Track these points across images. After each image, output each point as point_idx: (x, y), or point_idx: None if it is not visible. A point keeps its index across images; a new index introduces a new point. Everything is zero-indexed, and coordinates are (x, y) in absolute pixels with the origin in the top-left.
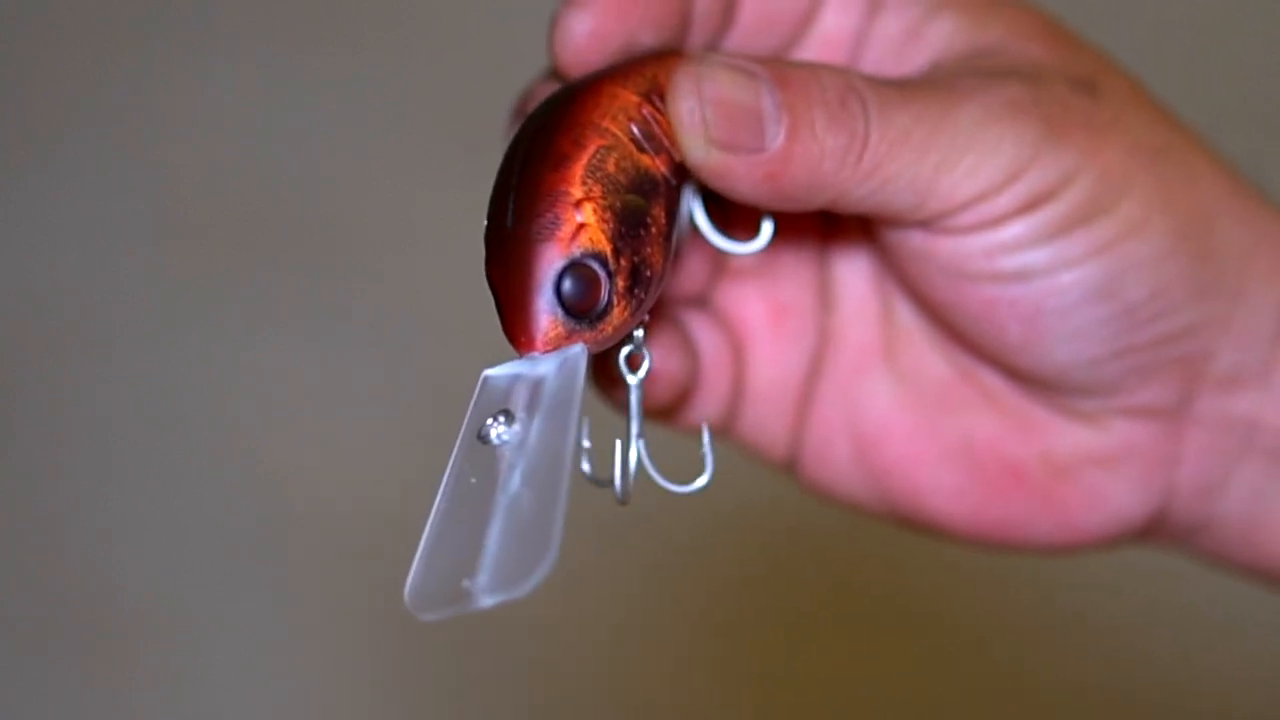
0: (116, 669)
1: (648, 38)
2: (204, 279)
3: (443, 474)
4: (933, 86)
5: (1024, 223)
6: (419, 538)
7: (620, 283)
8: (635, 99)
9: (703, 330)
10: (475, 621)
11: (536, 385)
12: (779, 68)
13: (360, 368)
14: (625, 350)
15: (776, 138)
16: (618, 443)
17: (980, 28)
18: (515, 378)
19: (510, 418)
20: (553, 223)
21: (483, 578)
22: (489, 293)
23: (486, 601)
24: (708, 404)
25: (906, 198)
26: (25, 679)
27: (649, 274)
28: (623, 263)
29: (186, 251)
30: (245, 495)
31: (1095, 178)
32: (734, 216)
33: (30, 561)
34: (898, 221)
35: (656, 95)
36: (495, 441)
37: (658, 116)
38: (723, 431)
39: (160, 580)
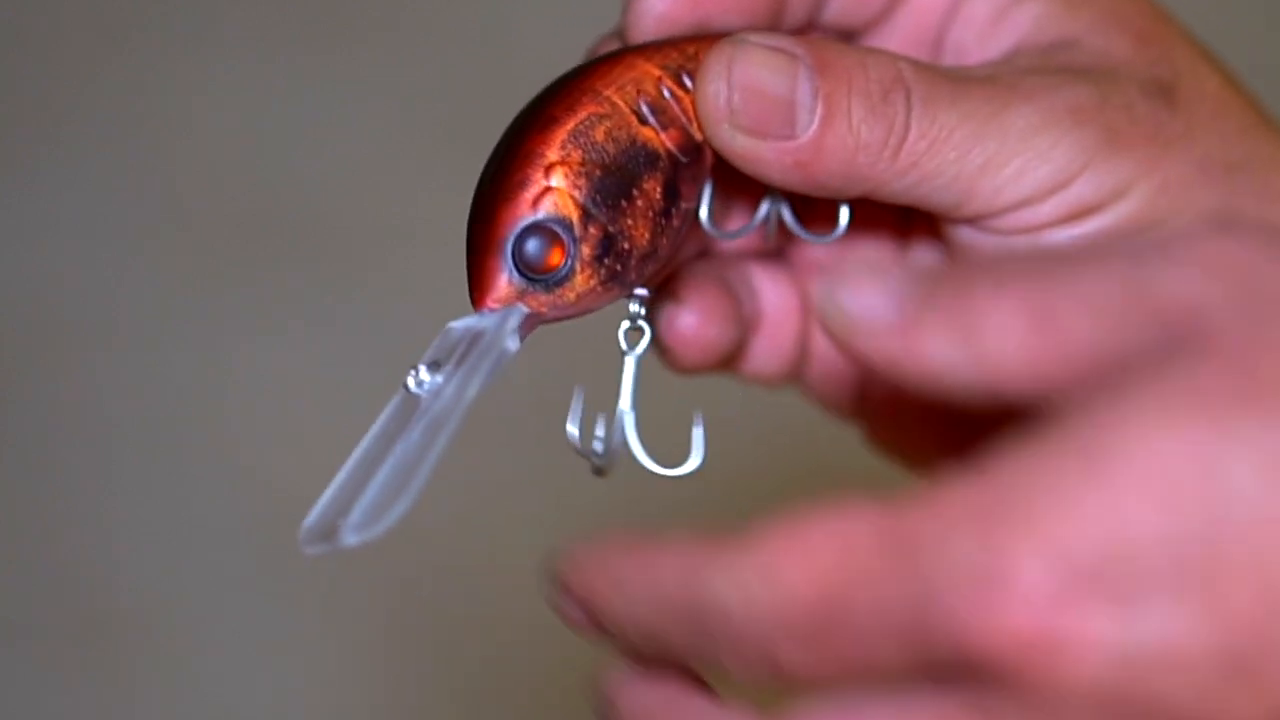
0: (115, 668)
1: (732, 21)
2: (204, 279)
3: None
4: (993, 84)
5: (1067, 233)
6: (416, 535)
7: (586, 250)
8: (656, 73)
9: (771, 281)
10: (476, 620)
11: (474, 340)
12: (824, 51)
13: (360, 367)
14: (624, 325)
15: (809, 126)
16: (597, 417)
17: (1067, 17)
18: (466, 330)
19: (438, 369)
20: (521, 183)
21: (352, 517)
22: None
23: (349, 540)
24: (768, 355)
25: (946, 196)
26: (24, 679)
27: (627, 247)
28: (592, 230)
29: (187, 251)
30: (244, 494)
31: (1151, 191)
32: (814, 206)
33: (29, 561)
34: (942, 216)
35: (688, 73)
36: (414, 389)
37: (679, 93)
38: (791, 379)
39: (159, 580)
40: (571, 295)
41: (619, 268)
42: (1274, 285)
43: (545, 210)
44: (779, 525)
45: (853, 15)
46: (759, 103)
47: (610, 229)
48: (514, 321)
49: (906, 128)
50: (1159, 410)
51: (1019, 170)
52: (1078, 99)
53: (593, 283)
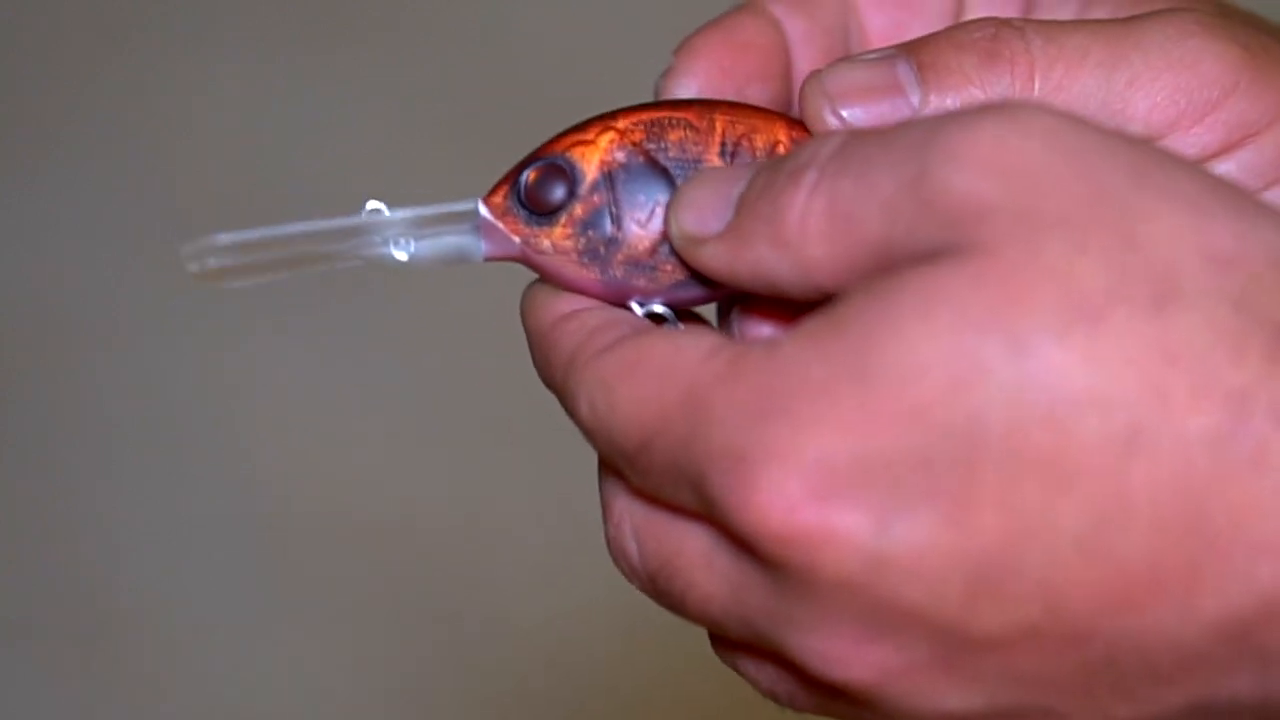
0: (115, 668)
1: (755, 91)
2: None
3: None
4: (1111, 6)
5: (1223, 165)
6: (419, 537)
7: (579, 210)
8: (782, 135)
9: None
10: (476, 619)
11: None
12: (914, 40)
13: (361, 367)
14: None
15: (918, 97)
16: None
17: None
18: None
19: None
20: (578, 129)
21: (206, 244)
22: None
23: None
24: None
25: (1104, 120)
26: (24, 679)
27: (619, 237)
28: (596, 199)
29: None
30: (244, 494)
31: None
32: None
33: (29, 561)
34: None
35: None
36: (368, 209)
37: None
38: None
39: (159, 580)
40: (545, 240)
41: (601, 250)
42: (1051, 185)
43: (570, 155)
44: (627, 345)
45: None
46: (865, 97)
47: (613, 210)
48: (467, 206)
49: (1030, 59)
50: (923, 316)
51: (1168, 86)
52: (1207, 16)
53: (568, 244)
